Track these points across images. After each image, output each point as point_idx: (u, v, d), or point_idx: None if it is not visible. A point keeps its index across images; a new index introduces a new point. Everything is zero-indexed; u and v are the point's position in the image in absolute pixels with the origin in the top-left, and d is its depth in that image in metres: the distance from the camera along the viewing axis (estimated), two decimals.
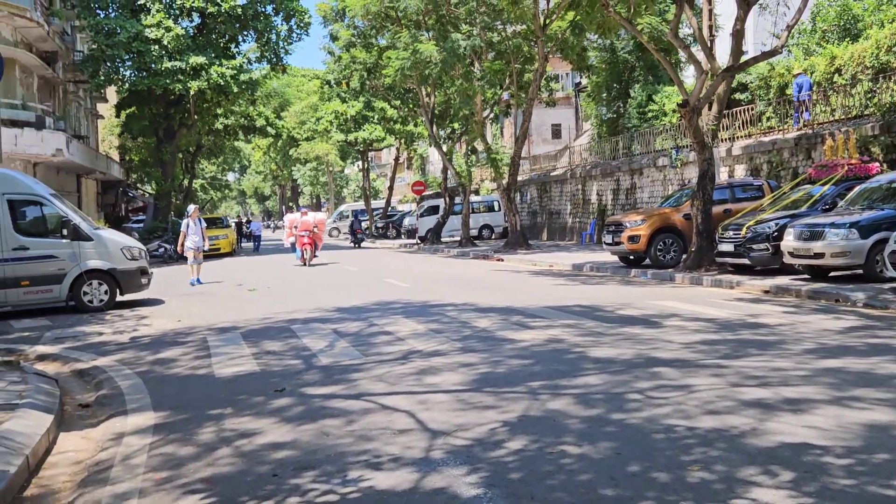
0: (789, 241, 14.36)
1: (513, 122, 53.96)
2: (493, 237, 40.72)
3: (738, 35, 17.44)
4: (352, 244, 42.67)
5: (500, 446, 5.32)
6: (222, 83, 34.62)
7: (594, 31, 25.02)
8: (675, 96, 31.70)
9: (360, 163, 79.49)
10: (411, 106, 38.70)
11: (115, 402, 7.54)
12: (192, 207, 21.25)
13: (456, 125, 40.48)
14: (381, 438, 5.67)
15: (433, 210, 41.04)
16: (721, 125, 24.35)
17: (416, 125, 43.65)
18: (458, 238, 39.58)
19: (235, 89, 35.21)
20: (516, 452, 5.17)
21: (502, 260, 26.83)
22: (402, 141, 48.04)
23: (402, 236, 45.70)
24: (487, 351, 8.74)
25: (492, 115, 38.40)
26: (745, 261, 16.03)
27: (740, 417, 5.70)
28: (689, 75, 39.31)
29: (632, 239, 19.11)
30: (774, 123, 24.23)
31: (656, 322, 10.41)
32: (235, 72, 35.09)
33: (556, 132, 55.64)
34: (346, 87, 41.47)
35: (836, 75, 23.14)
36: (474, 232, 38.41)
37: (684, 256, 19.00)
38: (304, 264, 26.16)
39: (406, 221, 45.39)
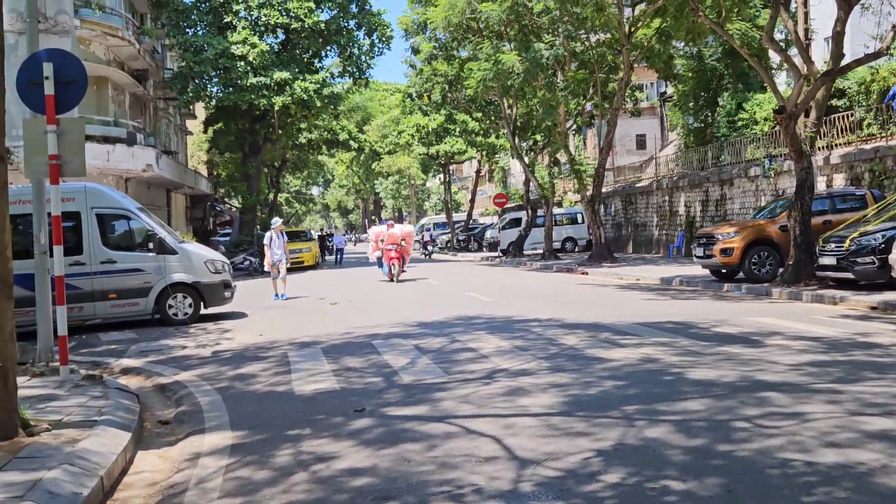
0: None
1: (596, 133, 53.24)
2: (576, 250, 40.01)
3: (838, 37, 16.56)
4: (423, 256, 42.65)
5: (595, 479, 4.87)
6: (306, 98, 34.97)
7: (682, 37, 24.34)
8: (766, 104, 30.57)
9: (441, 176, 79.98)
10: (493, 118, 38.41)
11: (194, 420, 7.37)
12: (276, 221, 20.90)
13: (538, 137, 40.05)
14: (464, 466, 5.29)
15: (515, 223, 40.58)
16: (819, 133, 23.33)
17: (497, 137, 43.33)
18: (541, 251, 39.00)
19: (318, 103, 35.53)
20: (613, 487, 4.72)
21: (587, 273, 26.18)
22: (484, 153, 47.79)
23: (484, 249, 45.36)
24: (577, 371, 8.27)
25: (574, 127, 37.75)
26: (849, 275, 15.10)
27: (866, 452, 5.11)
28: (780, 82, 37.98)
29: (724, 252, 18.30)
30: (875, 130, 23.03)
31: (757, 340, 9.76)
32: (318, 86, 35.40)
33: (641, 142, 54.54)
34: (427, 99, 41.46)
35: None
36: (557, 245, 37.77)
37: (781, 270, 18.12)
38: (392, 280, 24.46)
39: (488, 234, 45.05)
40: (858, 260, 14.86)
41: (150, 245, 15.16)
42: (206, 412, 7.59)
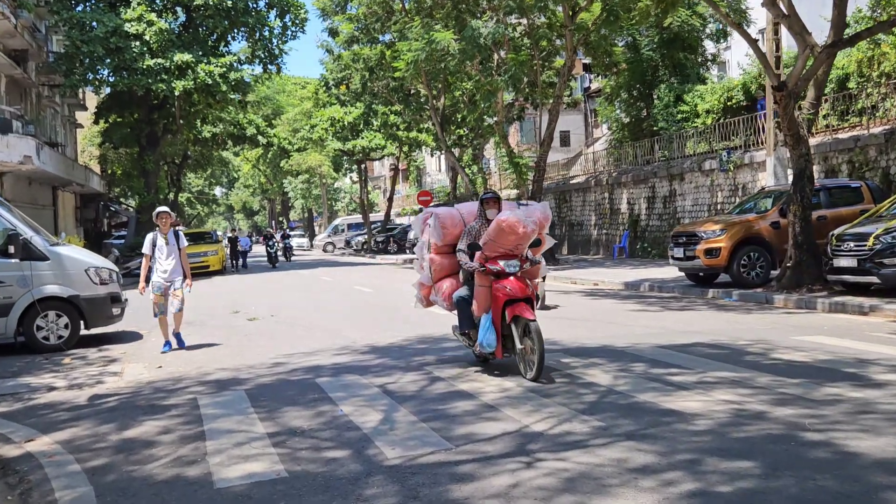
0: None
1: (519, 128, 50.91)
2: None
3: (841, 3, 14.32)
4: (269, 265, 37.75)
5: None
6: (210, 83, 31.25)
7: (642, 16, 21.91)
8: (708, 96, 28.67)
9: (353, 174, 76.31)
10: (415, 107, 35.41)
11: None
12: (161, 210, 11.29)
13: (461, 131, 37.30)
14: None
15: None
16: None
17: (420, 131, 40.36)
18: None
19: (224, 89, 31.78)
20: None
21: None
22: (404, 149, 44.73)
23: (407, 251, 42.31)
24: (654, 437, 5.41)
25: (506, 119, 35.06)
26: (873, 279, 12.78)
27: None
28: (714, 75, 36.35)
29: (709, 253, 15.84)
30: (832, 120, 21.12)
31: (856, 374, 7.12)
32: (225, 70, 31.70)
33: (565, 139, 52.50)
34: (345, 89, 38.14)
35: None
36: None
37: (773, 273, 15.81)
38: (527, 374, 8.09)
39: (411, 235, 41.97)
40: (885, 262, 12.55)
41: (11, 249, 11.59)
42: None
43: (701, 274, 17.02)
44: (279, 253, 38.83)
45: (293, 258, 44.35)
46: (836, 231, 13.83)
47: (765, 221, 16.04)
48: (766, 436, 5.27)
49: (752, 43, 15.62)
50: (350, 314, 14.76)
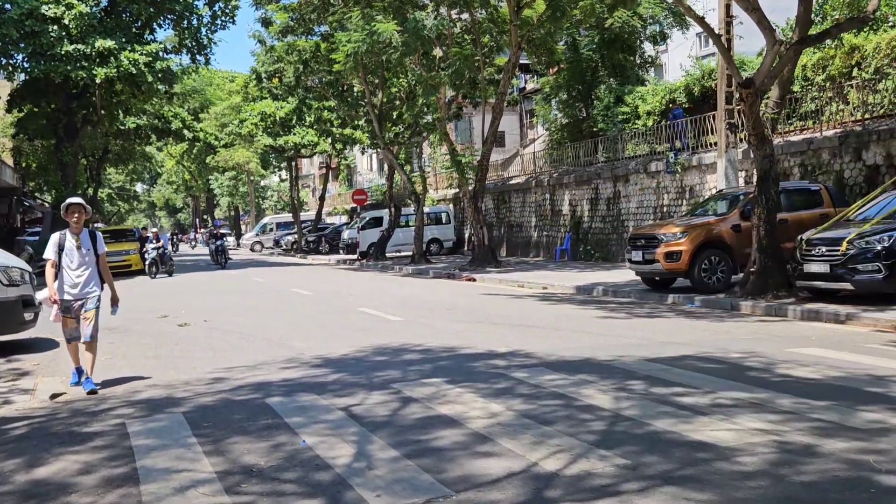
0: None
1: (454, 127, 50.02)
2: (441, 252, 36.49)
3: (806, 1, 13.80)
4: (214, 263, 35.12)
5: None
6: (134, 72, 29.38)
7: (586, 15, 21.28)
8: (649, 97, 28.28)
9: (281, 172, 74.23)
10: (351, 103, 34.13)
11: None
12: (70, 201, 8.49)
13: (397, 129, 36.19)
14: None
15: (376, 222, 36.51)
16: (739, 123, 20.89)
17: (355, 128, 39.07)
18: (405, 253, 35.29)
19: (150, 79, 29.96)
20: None
21: (474, 280, 22.66)
22: (338, 147, 43.36)
23: (341, 251, 41.01)
24: (692, 478, 4.48)
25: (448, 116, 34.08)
26: (846, 286, 12.24)
27: None
28: (649, 78, 36.14)
29: (670, 256, 15.15)
30: (801, 123, 20.83)
31: (885, 395, 6.35)
32: (150, 59, 29.89)
33: (500, 140, 51.73)
34: (278, 82, 36.61)
35: (857, 69, 19.98)
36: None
37: (734, 278, 15.24)
38: None
39: (345, 234, 40.68)
40: (860, 267, 12.01)
41: None
42: None
43: (657, 278, 16.39)
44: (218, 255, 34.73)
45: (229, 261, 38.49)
46: (806, 235, 13.26)
47: (725, 224, 15.44)
48: (833, 479, 4.39)
49: (717, 39, 15.02)
50: (293, 320, 13.56)
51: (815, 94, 20.57)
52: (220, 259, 34.42)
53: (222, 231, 39.12)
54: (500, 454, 5.15)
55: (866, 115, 18.71)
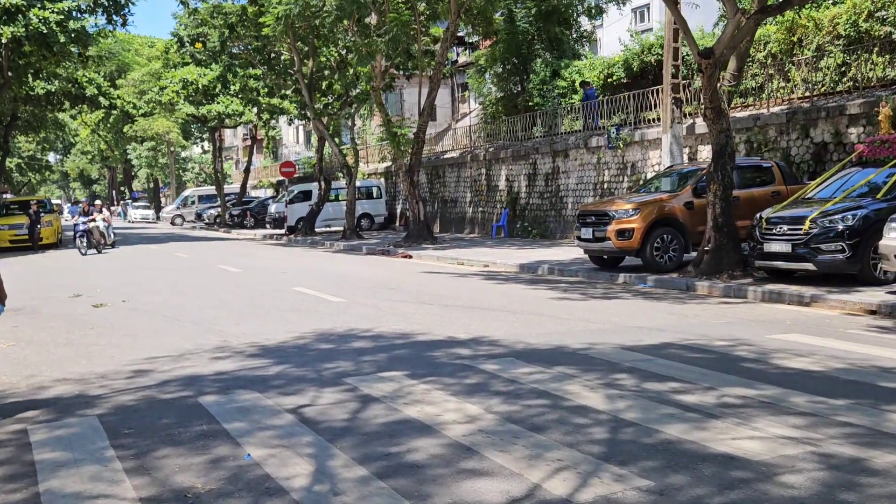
0: None
1: (384, 100, 48.77)
2: (372, 227, 35.43)
3: None
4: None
5: None
6: (45, 31, 27.33)
7: None
8: (587, 71, 27.69)
9: (204, 143, 71.64)
10: (279, 71, 32.60)
11: None
12: None
13: (327, 99, 34.81)
14: None
15: (305, 196, 35.19)
16: (685, 98, 20.40)
17: (282, 98, 37.48)
18: (334, 228, 34.14)
19: (62, 39, 27.92)
20: None
21: (410, 257, 21.78)
22: (264, 117, 41.70)
23: (268, 225, 39.52)
24: None
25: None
26: (809, 266, 11.76)
27: None
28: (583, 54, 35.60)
29: (621, 234, 14.50)
30: (741, 100, 20.46)
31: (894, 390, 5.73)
32: (62, 17, 27.84)
33: (431, 113, 50.82)
34: (201, 47, 34.77)
35: (798, 47, 19.71)
36: None
37: (686, 257, 14.70)
38: None
39: (272, 208, 39.17)
40: (822, 247, 11.55)
41: None
42: None
43: (605, 257, 15.76)
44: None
45: (105, 250, 26.80)
46: (765, 213, 12.74)
47: (678, 201, 14.85)
48: None
49: (674, 7, 14.34)
50: (222, 300, 12.44)
51: (757, 71, 20.26)
52: (83, 245, 25.31)
53: (97, 204, 28.03)
54: (491, 472, 4.28)
55: (814, 93, 18.42)
